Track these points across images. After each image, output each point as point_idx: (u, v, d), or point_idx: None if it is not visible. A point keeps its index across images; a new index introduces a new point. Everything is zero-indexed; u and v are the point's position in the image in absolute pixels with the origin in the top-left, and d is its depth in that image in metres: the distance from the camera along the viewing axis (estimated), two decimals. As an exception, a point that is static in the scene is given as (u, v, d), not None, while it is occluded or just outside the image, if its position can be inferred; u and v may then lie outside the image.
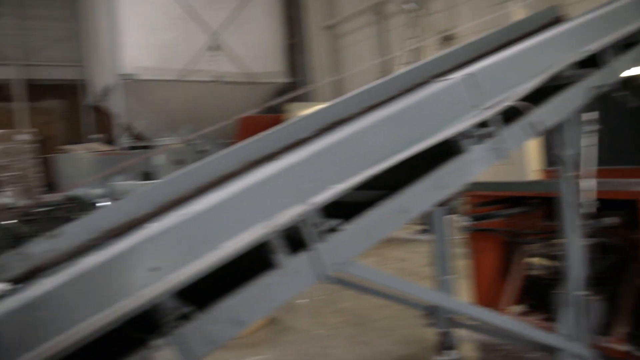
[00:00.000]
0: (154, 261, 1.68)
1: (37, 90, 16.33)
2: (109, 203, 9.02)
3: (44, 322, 1.59)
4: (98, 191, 9.39)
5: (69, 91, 16.98)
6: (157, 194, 3.01)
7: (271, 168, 2.22)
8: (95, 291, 1.64)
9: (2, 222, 7.75)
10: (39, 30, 16.27)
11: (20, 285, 2.69)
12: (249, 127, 8.02)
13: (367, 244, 2.04)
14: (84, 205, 8.84)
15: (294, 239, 1.90)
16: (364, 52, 14.01)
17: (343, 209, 2.04)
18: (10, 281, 2.71)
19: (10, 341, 1.56)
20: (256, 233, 1.80)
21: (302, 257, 1.89)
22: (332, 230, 1.95)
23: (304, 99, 13.20)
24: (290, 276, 1.87)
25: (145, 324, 1.75)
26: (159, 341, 1.71)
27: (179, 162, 9.29)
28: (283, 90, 14.37)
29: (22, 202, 9.56)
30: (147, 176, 9.86)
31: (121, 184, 9.40)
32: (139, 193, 3.00)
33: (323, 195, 1.92)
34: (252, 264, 1.85)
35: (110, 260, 1.66)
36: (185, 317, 1.75)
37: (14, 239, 7.49)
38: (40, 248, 2.88)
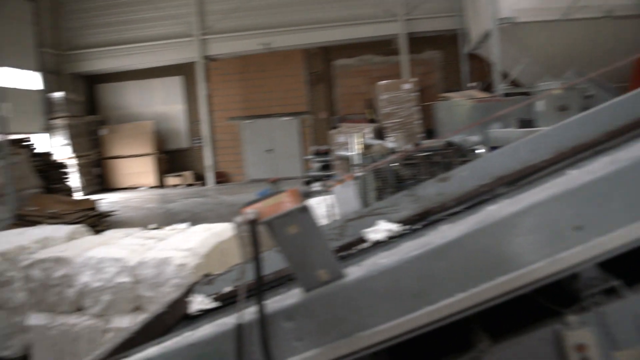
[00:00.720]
0: (577, 219, 1.33)
1: (418, 42, 17.23)
2: (485, 151, 8.93)
3: (443, 274, 1.41)
4: (475, 138, 9.33)
5: (447, 41, 17.43)
6: (554, 139, 2.63)
7: None
8: (501, 248, 1.39)
9: (389, 165, 8.36)
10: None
11: (409, 227, 2.70)
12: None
13: None
14: (461, 152, 8.90)
15: None
16: None
17: None
18: (401, 222, 2.74)
19: (408, 290, 1.42)
20: None
21: None
22: None
23: None
24: None
25: (560, 294, 1.43)
26: (575, 317, 1.37)
27: (563, 109, 8.52)
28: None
29: (405, 147, 10.17)
30: (525, 123, 9.38)
31: (498, 131, 9.15)
32: (533, 138, 2.68)
33: None
34: None
35: (522, 212, 1.37)
36: (611, 293, 1.36)
37: (397, 181, 7.97)
38: (429, 190, 2.82)
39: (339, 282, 1.45)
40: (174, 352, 1.55)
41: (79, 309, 3.94)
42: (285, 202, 1.36)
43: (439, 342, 1.74)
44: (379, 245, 2.49)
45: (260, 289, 1.37)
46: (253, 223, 1.35)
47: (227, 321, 1.62)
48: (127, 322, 3.74)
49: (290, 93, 19.02)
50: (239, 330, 1.40)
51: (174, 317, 2.49)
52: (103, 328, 3.90)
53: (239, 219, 1.37)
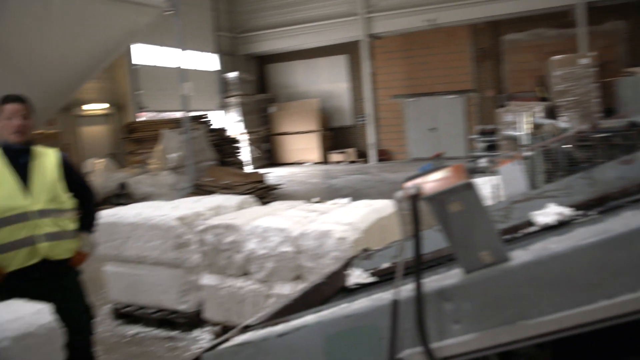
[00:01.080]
0: None
1: (598, 12, 15.67)
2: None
3: (625, 266, 1.26)
4: (664, 119, 8.34)
5: (634, 9, 15.62)
6: None
7: None
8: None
9: (561, 146, 7.80)
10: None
11: (583, 212, 2.47)
12: None
13: None
14: (646, 134, 8.00)
15: None
16: None
17: None
18: (575, 207, 2.52)
19: (581, 280, 1.30)
20: None
21: None
22: None
23: None
24: None
25: None
26: None
27: None
28: None
29: (579, 127, 9.39)
30: None
31: (693, 111, 8.08)
32: None
33: None
34: None
35: None
36: None
37: (570, 164, 7.42)
38: (609, 173, 2.57)
39: (504, 266, 1.37)
40: (330, 321, 1.57)
41: (245, 274, 4.21)
42: (449, 178, 1.30)
43: (614, 342, 1.58)
44: (548, 230, 2.33)
45: (418, 266, 1.33)
46: (414, 198, 1.31)
47: (384, 296, 1.61)
48: (288, 290, 3.92)
49: (455, 70, 18.45)
50: (395, 306, 1.38)
51: (332, 289, 2.54)
52: (266, 293, 4.13)
53: (400, 194, 1.34)
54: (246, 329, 1.95)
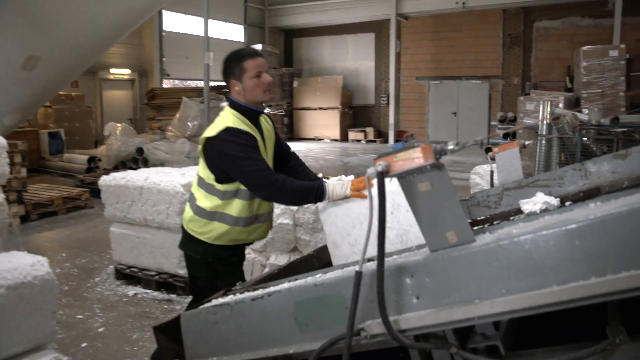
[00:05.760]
0: None
1: (636, 3, 15.24)
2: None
3: (580, 255, 1.31)
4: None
5: (673, 3, 15.24)
6: None
7: None
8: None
9: (579, 138, 7.71)
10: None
11: (571, 203, 2.49)
12: None
13: None
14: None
15: None
16: None
17: None
18: (564, 198, 2.54)
19: (537, 265, 1.34)
20: None
21: None
22: None
23: None
24: None
25: None
26: None
27: None
28: None
29: (598, 120, 9.26)
30: None
31: None
32: None
33: None
34: None
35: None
36: None
37: (585, 156, 7.37)
38: (603, 167, 2.58)
39: (466, 247, 1.42)
40: (301, 288, 1.64)
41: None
42: (416, 158, 1.35)
43: (567, 326, 1.63)
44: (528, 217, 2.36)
45: (382, 240, 1.38)
46: (382, 175, 1.36)
47: (353, 269, 1.67)
48: (284, 261, 4.01)
49: (483, 55, 18.20)
50: (358, 278, 1.44)
51: (320, 262, 2.62)
52: (263, 262, 4.22)
53: (371, 170, 1.39)
54: (227, 292, 2.04)
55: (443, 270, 1.42)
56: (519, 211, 2.53)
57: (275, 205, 4.00)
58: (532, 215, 2.40)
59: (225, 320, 1.80)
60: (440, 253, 1.44)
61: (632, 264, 1.25)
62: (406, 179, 1.40)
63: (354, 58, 20.74)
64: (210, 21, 10.32)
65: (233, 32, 19.33)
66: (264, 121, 2.76)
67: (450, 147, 1.40)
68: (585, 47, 11.98)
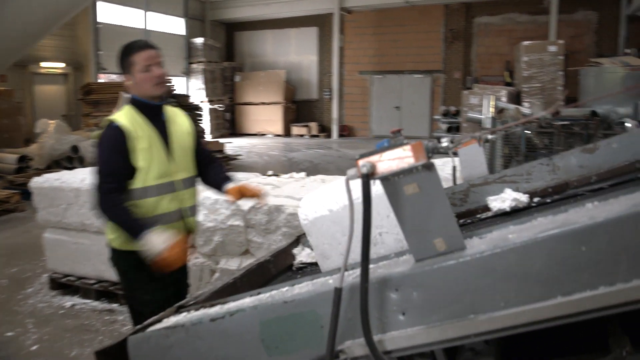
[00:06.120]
0: None
1: (571, 1, 15.76)
2: (635, 125, 8.03)
3: (586, 262, 1.17)
4: (624, 110, 8.45)
5: (605, 1, 15.78)
6: None
7: None
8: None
9: (522, 131, 7.81)
10: None
11: (540, 200, 2.40)
12: None
13: None
14: (606, 124, 8.09)
15: None
16: None
17: None
18: (533, 193, 2.44)
19: (538, 275, 1.20)
20: None
21: None
22: None
23: None
24: None
25: None
26: None
27: None
28: None
29: (540, 114, 9.44)
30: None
31: (653, 104, 8.19)
32: None
33: None
34: None
35: None
36: None
37: (528, 149, 7.46)
38: (570, 161, 2.49)
39: (457, 255, 1.26)
40: (267, 306, 1.44)
41: (191, 247, 4.04)
42: (406, 157, 1.17)
43: (566, 339, 1.50)
44: (507, 217, 2.24)
45: (366, 252, 1.20)
46: (367, 177, 1.18)
47: (326, 281, 1.48)
48: (234, 265, 3.78)
49: (425, 50, 18.37)
50: (338, 294, 1.25)
51: (278, 267, 2.42)
52: (212, 267, 3.97)
53: (352, 171, 1.21)
54: (180, 309, 1.81)
55: (432, 283, 1.27)
56: (486, 208, 2.42)
57: (226, 206, 3.79)
58: (505, 213, 2.30)
59: (180, 345, 1.57)
60: (428, 263, 1.28)
61: (644, 270, 1.13)
62: (391, 180, 1.23)
63: (297, 52, 20.54)
64: (149, 13, 9.89)
65: (173, 25, 18.73)
66: (174, 117, 2.64)
67: (445, 144, 1.23)
68: (525, 42, 12.24)
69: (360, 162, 1.20)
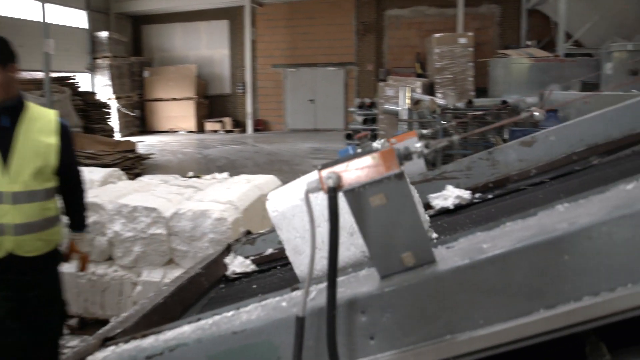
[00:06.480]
0: None
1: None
2: (541, 114, 8.37)
3: (570, 271, 1.08)
4: (532, 99, 8.80)
5: (505, -5, 16.50)
6: None
7: None
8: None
9: (439, 122, 7.95)
10: None
11: (482, 195, 2.35)
12: None
13: None
14: (516, 113, 8.39)
15: None
16: None
17: None
18: (474, 189, 2.38)
19: (520, 287, 1.10)
20: None
21: None
22: None
23: None
24: None
25: None
26: None
27: (634, 73, 7.88)
28: None
29: (454, 104, 9.68)
30: (589, 87, 8.76)
31: (558, 93, 8.58)
32: (635, 104, 2.31)
33: None
34: None
35: None
36: None
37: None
38: (509, 155, 2.47)
39: (429, 270, 1.13)
40: (214, 339, 1.25)
41: (109, 259, 3.71)
42: (376, 166, 1.02)
43: (541, 348, 1.42)
44: (449, 214, 2.17)
45: (334, 275, 1.05)
46: (334, 191, 1.02)
47: (277, 304, 1.31)
48: (158, 276, 3.50)
49: (338, 43, 18.43)
50: (300, 324, 1.09)
51: (210, 280, 2.23)
52: (133, 280, 3.66)
53: (314, 184, 1.04)
54: (107, 342, 1.57)
55: (402, 302, 1.14)
56: (428, 206, 2.33)
57: (145, 213, 3.50)
58: (448, 211, 2.22)
59: (110, 389, 1.35)
60: (396, 280, 1.14)
61: (630, 277, 1.05)
62: (355, 191, 1.08)
63: (208, 46, 20.00)
64: (47, 5, 9.22)
65: (74, 18, 17.65)
66: (32, 125, 2.40)
67: (419, 149, 1.09)
68: (437, 35, 12.52)
69: (324, 173, 1.03)
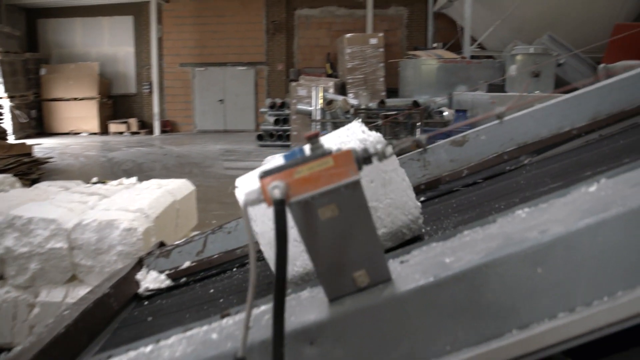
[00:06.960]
0: None
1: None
2: (450, 113, 8.59)
3: (543, 285, 0.97)
4: (441, 100, 9.00)
5: (414, -3, 16.93)
6: (590, 105, 2.26)
7: None
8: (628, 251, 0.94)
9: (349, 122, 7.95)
10: None
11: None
12: (626, 39, 6.53)
13: None
14: (427, 113, 8.54)
15: None
16: None
17: None
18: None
19: (489, 305, 0.97)
20: None
21: None
22: None
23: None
24: None
25: None
26: None
27: (535, 75, 8.23)
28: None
29: (367, 104, 9.72)
30: (494, 87, 9.08)
31: (466, 94, 8.83)
32: (564, 102, 2.31)
33: None
34: None
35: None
36: None
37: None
38: (440, 156, 2.38)
39: (387, 291, 0.98)
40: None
41: (0, 278, 3.29)
42: (331, 171, 0.85)
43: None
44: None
45: (280, 308, 0.86)
46: (281, 204, 0.83)
47: (208, 337, 1.11)
48: (59, 296, 3.13)
49: (248, 42, 18.15)
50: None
51: (120, 301, 1.98)
52: (29, 302, 3.24)
53: (254, 194, 0.85)
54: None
55: (357, 329, 0.98)
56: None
57: (43, 225, 3.14)
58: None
59: None
60: (348, 304, 0.98)
61: (608, 290, 0.94)
62: (302, 202, 0.90)
63: (111, 43, 19.05)
64: None
65: (-43, 10, 16.28)
66: None
67: (380, 150, 0.92)
68: (348, 35, 12.57)
69: (269, 182, 0.85)
